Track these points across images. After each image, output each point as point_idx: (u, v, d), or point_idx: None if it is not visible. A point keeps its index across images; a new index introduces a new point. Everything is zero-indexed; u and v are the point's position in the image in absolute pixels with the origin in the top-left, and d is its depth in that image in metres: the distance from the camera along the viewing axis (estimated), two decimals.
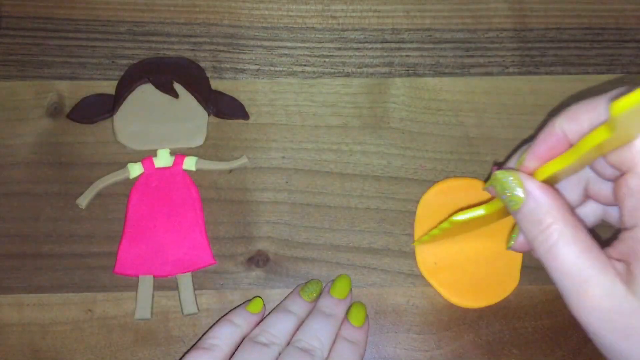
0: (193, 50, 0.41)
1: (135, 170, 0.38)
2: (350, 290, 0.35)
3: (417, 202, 0.37)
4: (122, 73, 0.40)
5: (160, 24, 0.42)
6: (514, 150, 0.31)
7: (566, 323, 0.35)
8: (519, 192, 0.25)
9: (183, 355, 0.32)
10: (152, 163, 0.38)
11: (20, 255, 0.36)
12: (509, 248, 0.30)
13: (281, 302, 0.35)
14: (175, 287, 0.35)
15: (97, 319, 0.35)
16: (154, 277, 0.35)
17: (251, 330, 0.33)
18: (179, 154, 0.38)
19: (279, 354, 0.31)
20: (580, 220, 0.25)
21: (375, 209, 0.37)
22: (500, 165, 0.32)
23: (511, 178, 0.26)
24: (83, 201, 0.37)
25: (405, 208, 0.37)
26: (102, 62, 0.41)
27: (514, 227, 0.31)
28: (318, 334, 0.32)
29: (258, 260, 0.36)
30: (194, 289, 0.35)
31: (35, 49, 0.41)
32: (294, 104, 0.40)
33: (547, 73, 0.41)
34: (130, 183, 0.37)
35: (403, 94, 0.40)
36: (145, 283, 0.35)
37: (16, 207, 0.37)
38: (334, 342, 0.33)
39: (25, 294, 0.35)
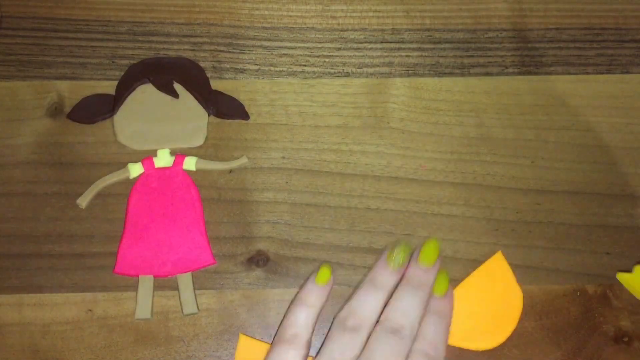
0: (193, 50, 0.41)
1: (136, 170, 0.38)
2: (440, 255, 0.34)
3: (417, 201, 0.37)
4: (122, 73, 0.40)
5: (160, 24, 0.42)
6: None
7: (566, 323, 0.35)
8: None
9: (268, 351, 0.32)
10: (152, 163, 0.38)
11: (21, 255, 0.36)
12: None
13: (369, 272, 0.34)
14: (175, 287, 0.35)
15: (98, 319, 0.35)
16: (154, 277, 0.35)
17: (324, 304, 0.33)
18: (179, 154, 0.38)
19: (369, 335, 0.31)
20: None
21: (375, 209, 0.37)
22: None
23: None
24: (83, 201, 0.37)
25: (405, 208, 0.37)
26: (103, 62, 0.41)
27: None
28: (406, 311, 0.31)
29: (258, 260, 0.36)
30: (194, 289, 0.35)
31: (36, 49, 0.41)
32: (294, 104, 0.40)
33: (546, 73, 0.41)
34: (130, 183, 0.37)
35: (403, 94, 0.40)
36: (146, 283, 0.35)
37: (16, 207, 0.37)
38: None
39: (26, 293, 0.35)
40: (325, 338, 0.32)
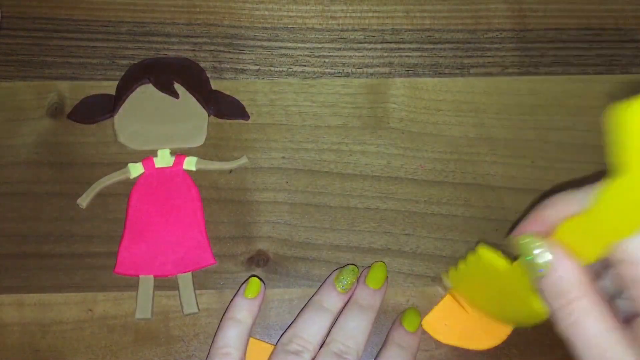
0: (193, 50, 0.41)
1: (136, 170, 0.38)
2: (387, 278, 0.35)
3: (417, 201, 0.37)
4: (122, 73, 0.40)
5: (160, 24, 0.42)
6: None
7: None
8: (545, 259, 0.25)
9: None
10: (153, 163, 0.38)
11: (21, 255, 0.36)
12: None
13: (315, 294, 0.34)
14: (175, 286, 0.35)
15: (98, 319, 0.35)
16: (155, 276, 0.35)
17: (257, 316, 0.33)
18: (179, 154, 0.38)
19: (313, 358, 0.31)
20: (602, 296, 0.24)
21: (375, 209, 0.37)
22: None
23: (538, 243, 0.25)
24: (84, 201, 0.37)
25: (405, 208, 0.37)
26: (103, 62, 0.41)
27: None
28: (354, 332, 0.32)
29: (258, 260, 0.36)
30: (195, 289, 0.35)
31: (36, 49, 0.41)
32: (294, 104, 0.40)
33: (546, 73, 0.41)
34: (130, 183, 0.37)
35: (403, 94, 0.40)
36: (146, 283, 0.35)
37: (17, 207, 0.37)
38: (384, 346, 0.33)
39: (26, 293, 0.35)
40: None
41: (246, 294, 0.33)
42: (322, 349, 0.32)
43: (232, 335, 0.32)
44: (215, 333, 0.33)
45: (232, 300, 0.34)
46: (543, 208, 0.27)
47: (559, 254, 0.25)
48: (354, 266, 0.34)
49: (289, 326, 0.33)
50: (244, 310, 0.33)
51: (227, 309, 0.34)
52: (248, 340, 0.33)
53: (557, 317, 0.25)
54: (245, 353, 0.32)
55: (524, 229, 0.27)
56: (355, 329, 0.32)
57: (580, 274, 0.25)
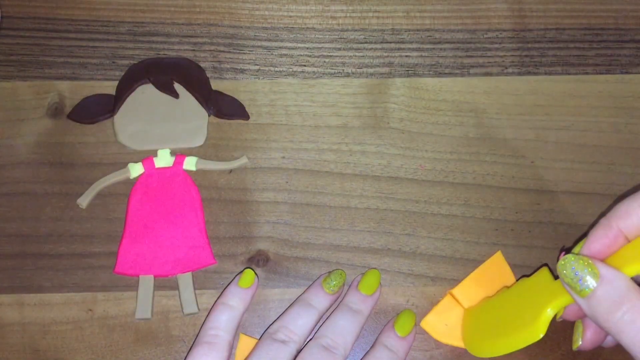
0: (193, 50, 0.41)
1: (136, 170, 0.38)
2: (379, 286, 0.35)
3: (417, 201, 0.38)
4: (122, 73, 0.40)
5: (160, 24, 0.42)
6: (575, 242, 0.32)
7: (566, 323, 0.35)
8: (591, 277, 0.26)
9: (188, 352, 0.32)
10: (153, 163, 0.38)
11: (21, 255, 0.36)
12: (576, 349, 0.31)
13: (303, 293, 0.34)
14: (175, 286, 0.35)
15: (98, 319, 0.35)
16: (155, 276, 0.35)
17: (248, 306, 0.34)
18: (179, 154, 0.38)
19: (298, 351, 0.32)
20: None
21: (375, 209, 0.37)
22: (566, 251, 0.32)
23: (582, 262, 0.26)
24: (84, 201, 0.37)
25: (405, 208, 0.37)
26: (103, 62, 0.41)
27: (576, 327, 0.31)
28: (343, 331, 0.32)
29: (258, 260, 0.36)
30: (195, 289, 0.35)
31: (36, 49, 0.41)
32: (294, 104, 0.40)
33: (546, 73, 0.41)
34: (130, 183, 0.37)
35: (403, 94, 0.40)
36: (146, 283, 0.35)
37: (17, 207, 0.37)
38: (372, 347, 0.33)
39: (26, 293, 0.35)
40: (253, 349, 0.32)
41: (240, 284, 0.34)
42: (310, 342, 0.32)
43: (222, 319, 0.33)
44: (207, 316, 0.33)
45: (226, 287, 0.34)
46: (614, 220, 0.27)
47: (606, 267, 0.26)
48: (341, 270, 0.35)
49: (275, 320, 0.33)
50: (236, 298, 0.33)
51: (220, 294, 0.34)
52: (237, 327, 0.33)
53: (610, 327, 0.25)
54: (233, 339, 0.33)
55: (592, 248, 0.28)
56: (345, 328, 0.32)
57: (629, 281, 0.26)
